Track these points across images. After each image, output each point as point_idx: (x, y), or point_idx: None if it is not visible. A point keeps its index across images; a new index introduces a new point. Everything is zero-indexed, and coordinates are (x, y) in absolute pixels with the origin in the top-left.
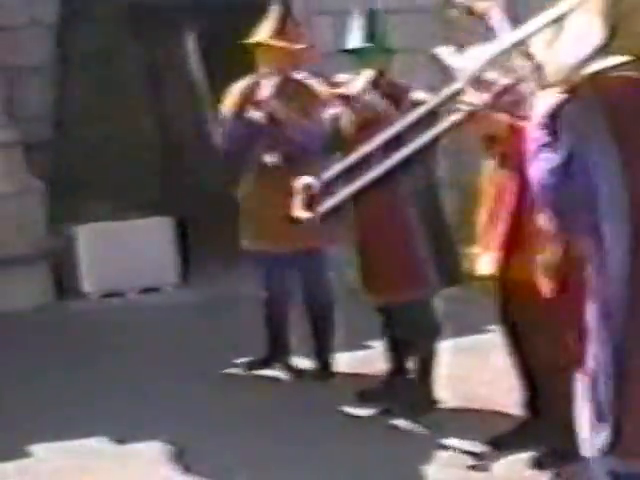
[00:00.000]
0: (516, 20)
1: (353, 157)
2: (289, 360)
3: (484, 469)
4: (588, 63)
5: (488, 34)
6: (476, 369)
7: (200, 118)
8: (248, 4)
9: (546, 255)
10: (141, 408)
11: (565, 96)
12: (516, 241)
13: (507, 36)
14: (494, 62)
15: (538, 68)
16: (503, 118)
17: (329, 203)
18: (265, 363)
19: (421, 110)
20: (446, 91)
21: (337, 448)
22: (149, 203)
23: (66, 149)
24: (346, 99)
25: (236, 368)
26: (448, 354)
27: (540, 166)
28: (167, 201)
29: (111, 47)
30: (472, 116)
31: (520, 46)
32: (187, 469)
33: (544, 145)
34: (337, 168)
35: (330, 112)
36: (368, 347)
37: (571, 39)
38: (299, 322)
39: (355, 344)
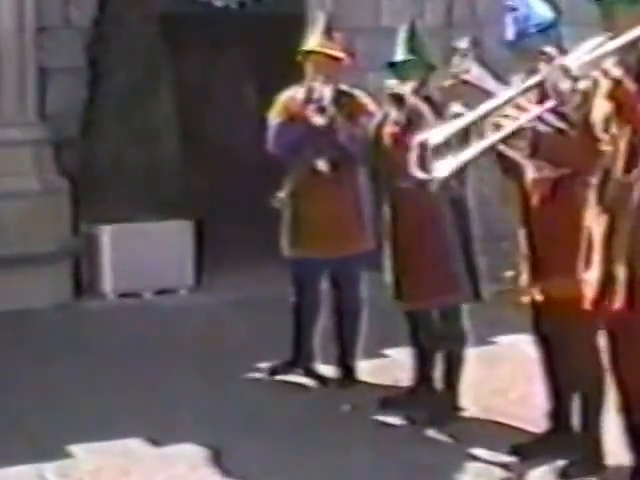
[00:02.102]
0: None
1: (460, 123)
2: (312, 366)
3: None
4: None
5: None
6: (486, 379)
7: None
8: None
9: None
10: (167, 410)
11: None
12: (550, 260)
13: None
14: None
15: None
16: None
17: (446, 171)
18: (288, 368)
19: (503, 97)
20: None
21: (370, 456)
22: (168, 205)
23: (93, 150)
24: (398, 99)
25: (258, 373)
26: None
27: None
28: (185, 204)
29: (142, 52)
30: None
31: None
32: (227, 472)
33: None
34: (447, 132)
35: (376, 117)
36: (384, 356)
37: None
38: (320, 328)
39: (371, 353)
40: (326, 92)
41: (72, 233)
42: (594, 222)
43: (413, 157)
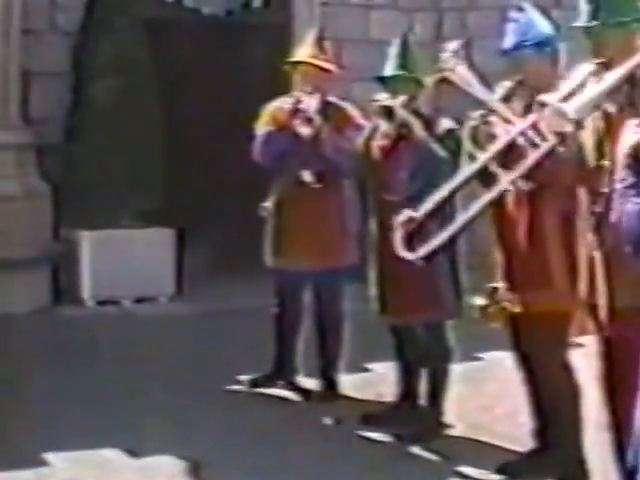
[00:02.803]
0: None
1: (445, 191)
2: (294, 379)
3: None
4: None
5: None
6: (472, 396)
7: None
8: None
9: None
10: (146, 420)
11: None
12: (524, 275)
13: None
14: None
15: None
16: None
17: (429, 246)
18: (269, 381)
19: (498, 146)
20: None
21: (353, 471)
22: (150, 212)
23: (76, 155)
24: (387, 112)
25: (239, 384)
26: None
27: (626, 208)
28: (167, 212)
29: (127, 57)
30: None
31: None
32: None
33: (629, 187)
34: (431, 203)
35: (366, 128)
36: (368, 370)
37: None
38: (302, 340)
39: (355, 366)
40: (312, 103)
41: (53, 238)
42: (593, 251)
43: (398, 237)
